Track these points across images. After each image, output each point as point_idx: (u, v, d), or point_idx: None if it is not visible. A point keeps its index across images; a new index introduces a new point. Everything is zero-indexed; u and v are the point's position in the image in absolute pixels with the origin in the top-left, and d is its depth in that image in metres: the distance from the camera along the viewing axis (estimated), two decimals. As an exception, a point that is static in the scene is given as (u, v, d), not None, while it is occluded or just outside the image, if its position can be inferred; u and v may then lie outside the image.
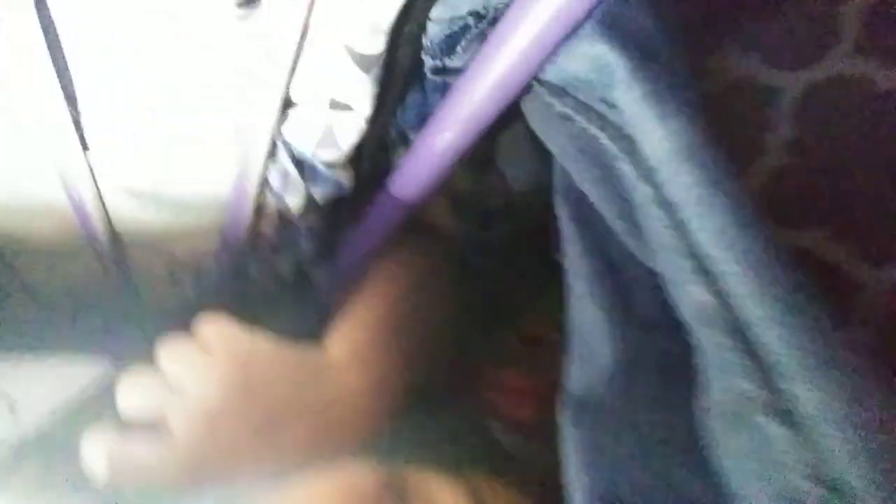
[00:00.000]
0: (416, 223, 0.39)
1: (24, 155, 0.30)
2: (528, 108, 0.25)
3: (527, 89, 0.24)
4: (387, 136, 0.33)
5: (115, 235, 0.38)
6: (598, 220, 0.22)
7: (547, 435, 0.22)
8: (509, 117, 0.26)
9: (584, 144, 0.21)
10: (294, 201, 0.34)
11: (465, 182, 0.39)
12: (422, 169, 0.30)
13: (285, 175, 0.33)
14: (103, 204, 0.35)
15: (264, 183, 0.33)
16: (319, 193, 0.35)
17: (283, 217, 0.38)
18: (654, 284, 0.20)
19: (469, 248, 0.40)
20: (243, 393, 0.25)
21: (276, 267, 0.43)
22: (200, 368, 0.26)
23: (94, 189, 0.33)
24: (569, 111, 0.22)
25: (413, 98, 0.32)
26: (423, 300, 0.34)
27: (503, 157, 0.37)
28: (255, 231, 0.39)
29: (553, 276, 0.24)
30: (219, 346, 0.26)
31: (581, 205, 0.23)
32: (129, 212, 0.35)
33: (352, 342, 0.30)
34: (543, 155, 0.25)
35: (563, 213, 0.24)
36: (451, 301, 0.37)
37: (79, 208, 0.34)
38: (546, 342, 0.39)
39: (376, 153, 0.34)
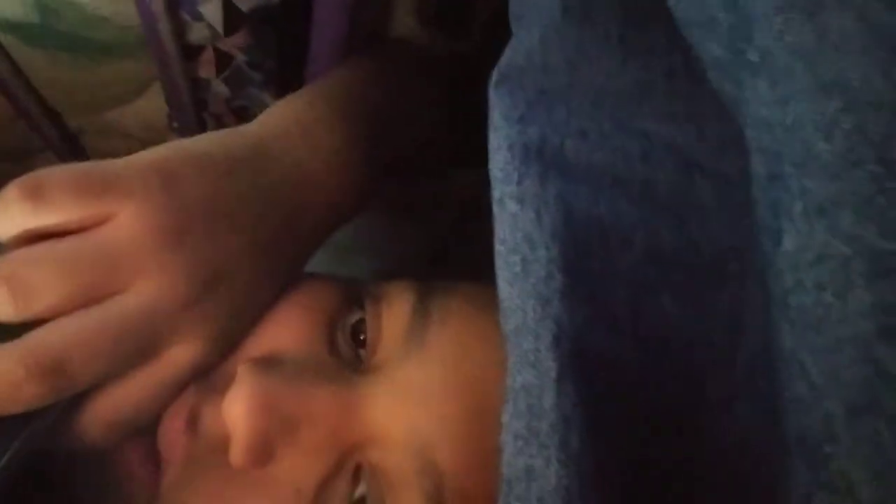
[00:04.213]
0: (381, 38, 0.38)
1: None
2: None
3: None
4: None
5: (52, 113, 0.39)
6: None
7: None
8: None
9: None
10: (212, 12, 0.32)
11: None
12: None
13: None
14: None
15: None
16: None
17: (220, 54, 0.36)
18: None
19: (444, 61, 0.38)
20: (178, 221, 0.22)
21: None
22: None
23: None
24: None
25: None
26: (380, 93, 0.32)
27: None
28: (196, 80, 0.37)
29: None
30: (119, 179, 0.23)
31: None
32: (45, 70, 0.34)
33: (292, 112, 0.28)
34: None
35: None
36: (423, 111, 0.35)
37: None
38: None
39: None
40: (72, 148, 0.46)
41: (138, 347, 0.21)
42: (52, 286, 0.20)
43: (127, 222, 0.21)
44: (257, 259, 0.24)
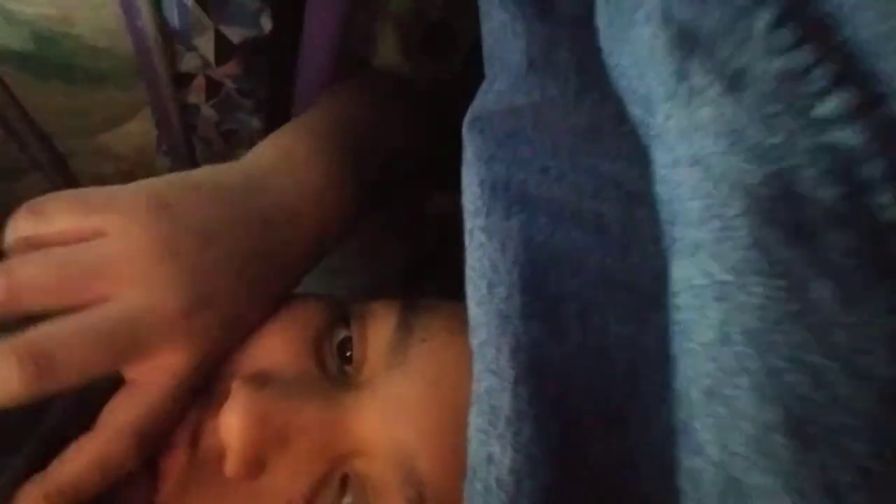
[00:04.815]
0: (366, 67, 0.40)
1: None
2: None
3: None
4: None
5: (43, 136, 0.41)
6: None
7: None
8: None
9: None
10: (205, 44, 0.35)
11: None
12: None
13: (182, 7, 0.33)
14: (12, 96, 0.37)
15: (163, 26, 0.33)
16: (233, 32, 0.35)
17: (211, 81, 0.38)
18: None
19: (425, 87, 0.40)
20: (172, 232, 0.25)
21: (227, 156, 0.44)
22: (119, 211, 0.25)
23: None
24: None
25: None
26: (365, 121, 0.34)
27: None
28: (185, 105, 0.40)
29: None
30: (119, 196, 0.26)
31: None
32: (39, 96, 0.37)
33: (281, 147, 0.31)
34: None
35: None
36: (404, 137, 0.37)
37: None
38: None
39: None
40: (61, 169, 0.47)
41: (122, 350, 0.23)
42: (39, 280, 0.23)
43: (117, 237, 0.24)
44: (243, 282, 0.26)
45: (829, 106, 0.10)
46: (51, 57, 0.36)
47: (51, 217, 0.24)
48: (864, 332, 0.09)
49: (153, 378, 0.25)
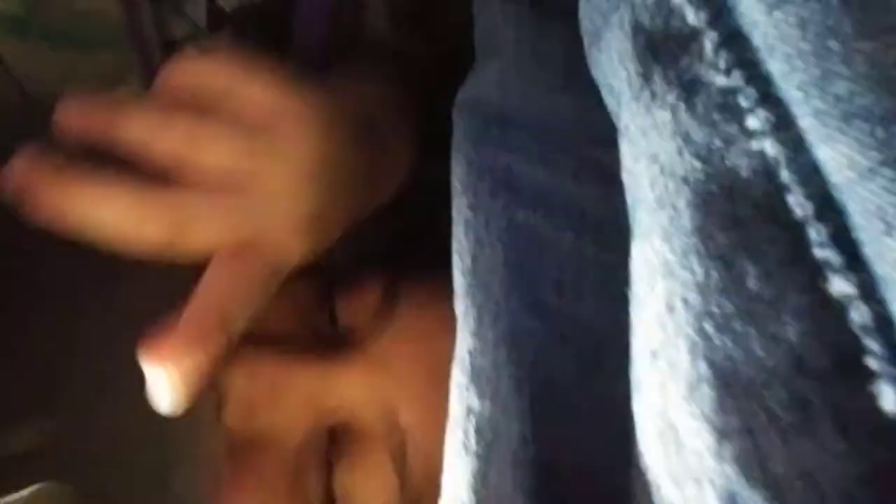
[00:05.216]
0: (358, 40, 0.41)
1: None
2: None
3: None
4: None
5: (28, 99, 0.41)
6: None
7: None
8: None
9: None
10: (197, 12, 0.35)
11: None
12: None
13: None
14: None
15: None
16: (225, 0, 0.35)
17: (201, 48, 0.39)
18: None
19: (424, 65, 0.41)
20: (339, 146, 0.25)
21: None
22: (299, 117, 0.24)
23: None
24: None
25: None
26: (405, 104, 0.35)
27: None
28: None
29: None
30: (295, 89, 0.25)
31: None
32: (27, 59, 0.37)
33: (383, 110, 0.31)
34: None
35: None
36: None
37: None
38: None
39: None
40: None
41: (237, 240, 0.23)
42: (219, 147, 0.23)
43: (294, 140, 0.24)
44: (345, 223, 0.26)
45: (756, 120, 0.12)
46: (40, 21, 0.37)
47: (248, 84, 0.24)
48: (779, 305, 0.11)
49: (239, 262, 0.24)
